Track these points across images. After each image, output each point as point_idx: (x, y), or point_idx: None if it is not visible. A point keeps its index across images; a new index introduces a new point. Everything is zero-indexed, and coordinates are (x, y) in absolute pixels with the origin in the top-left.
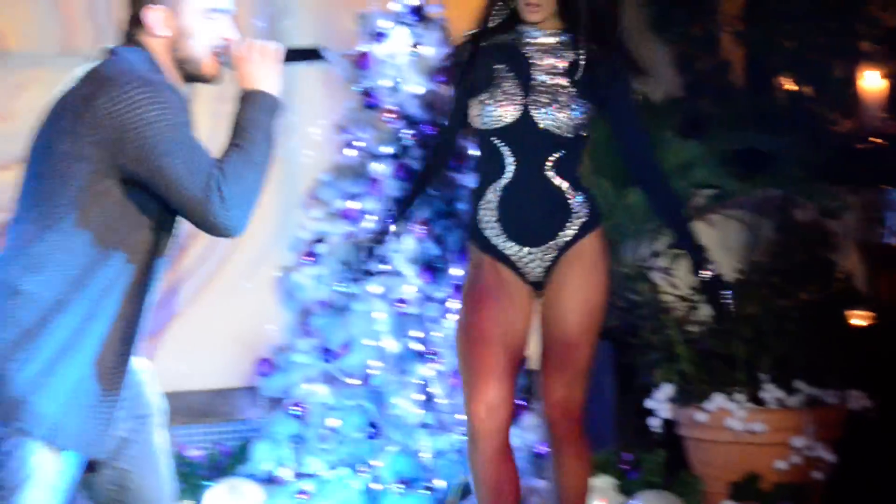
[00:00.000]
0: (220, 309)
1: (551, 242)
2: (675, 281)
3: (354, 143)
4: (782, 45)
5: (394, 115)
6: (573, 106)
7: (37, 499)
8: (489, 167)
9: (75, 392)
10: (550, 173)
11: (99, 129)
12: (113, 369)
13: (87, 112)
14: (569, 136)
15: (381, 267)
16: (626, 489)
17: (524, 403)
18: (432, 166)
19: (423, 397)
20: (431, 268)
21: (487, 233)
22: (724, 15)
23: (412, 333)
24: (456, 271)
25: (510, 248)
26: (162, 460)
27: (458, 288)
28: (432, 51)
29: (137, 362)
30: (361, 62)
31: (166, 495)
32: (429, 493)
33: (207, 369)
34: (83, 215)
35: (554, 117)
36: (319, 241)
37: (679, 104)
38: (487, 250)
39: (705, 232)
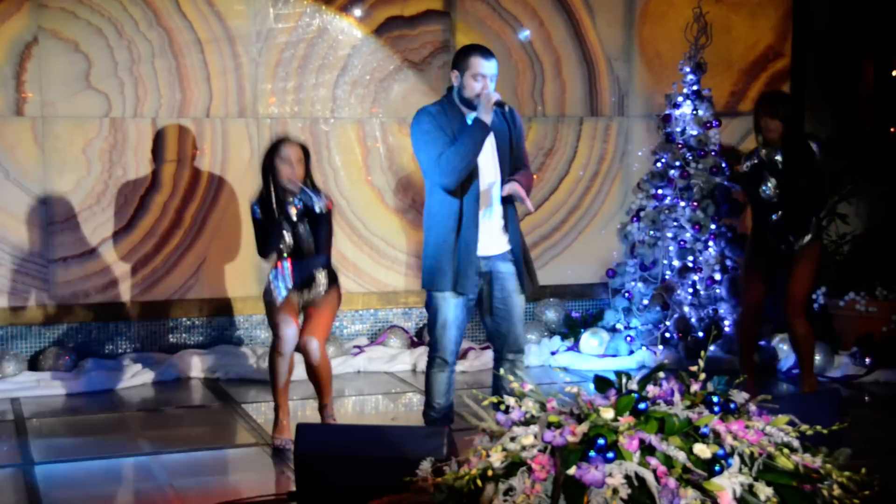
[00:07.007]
0: (590, 243)
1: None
2: (830, 234)
3: (660, 160)
4: None
5: (681, 146)
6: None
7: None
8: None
9: None
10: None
11: None
12: None
13: None
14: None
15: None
16: None
17: None
18: None
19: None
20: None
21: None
22: None
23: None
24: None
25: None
26: (515, 317)
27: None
28: (704, 113)
29: (503, 266)
30: (667, 118)
31: (516, 334)
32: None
33: (581, 273)
34: None
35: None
36: (640, 209)
37: None
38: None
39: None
